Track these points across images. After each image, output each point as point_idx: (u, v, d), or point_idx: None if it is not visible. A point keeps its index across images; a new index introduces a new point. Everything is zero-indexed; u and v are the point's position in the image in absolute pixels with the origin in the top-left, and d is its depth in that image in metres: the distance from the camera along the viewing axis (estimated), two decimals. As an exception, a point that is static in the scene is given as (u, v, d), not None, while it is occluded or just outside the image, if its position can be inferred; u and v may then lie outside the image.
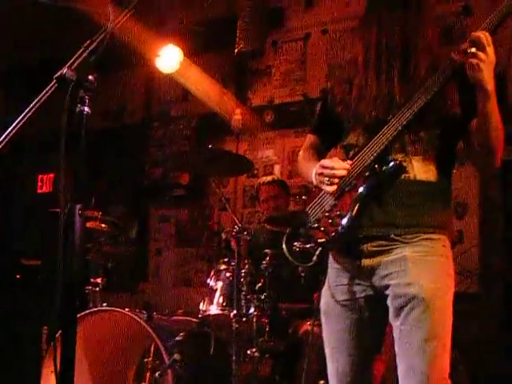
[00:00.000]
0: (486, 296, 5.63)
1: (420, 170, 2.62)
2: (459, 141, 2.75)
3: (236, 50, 6.75)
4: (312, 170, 2.76)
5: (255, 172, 7.18)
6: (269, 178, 5.69)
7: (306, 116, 6.73)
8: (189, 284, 7.43)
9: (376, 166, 2.59)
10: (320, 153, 3.02)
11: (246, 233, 4.55)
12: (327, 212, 2.69)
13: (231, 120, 6.70)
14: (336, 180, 2.64)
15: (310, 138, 3.07)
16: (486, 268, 5.72)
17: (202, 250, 7.29)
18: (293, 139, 7.08)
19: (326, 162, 2.70)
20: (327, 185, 2.65)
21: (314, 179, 2.75)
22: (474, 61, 2.40)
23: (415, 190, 2.62)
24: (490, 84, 2.43)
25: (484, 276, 5.70)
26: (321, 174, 2.68)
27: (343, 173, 2.63)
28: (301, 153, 3.07)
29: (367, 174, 2.61)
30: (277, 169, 7.20)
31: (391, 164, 2.56)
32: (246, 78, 7.42)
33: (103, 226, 5.24)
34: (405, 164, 2.58)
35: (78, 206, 1.93)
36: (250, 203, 7.29)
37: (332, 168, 2.65)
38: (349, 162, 2.66)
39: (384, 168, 2.58)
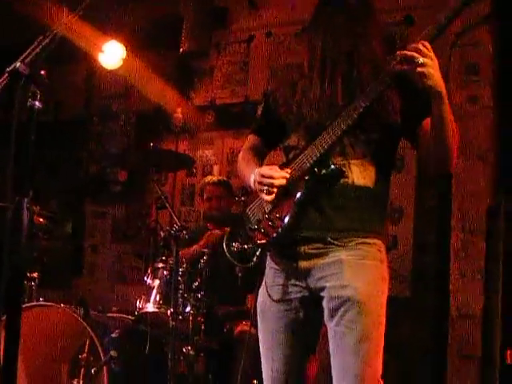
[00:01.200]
0: (418, 300, 5.76)
1: (358, 174, 2.69)
2: (397, 147, 2.85)
3: (181, 50, 6.79)
4: (251, 175, 2.80)
5: (194, 171, 7.21)
6: (215, 179, 5.72)
7: (247, 118, 6.77)
8: (124, 281, 7.43)
9: (316, 169, 2.65)
10: (260, 154, 3.06)
11: (184, 232, 4.58)
12: (267, 214, 2.74)
13: (172, 118, 6.72)
14: (274, 189, 2.68)
15: (250, 139, 3.10)
16: (419, 273, 5.85)
17: (138, 248, 7.27)
18: (232, 140, 7.12)
19: (264, 170, 2.74)
20: (265, 194, 2.69)
21: (252, 185, 2.80)
22: (424, 69, 2.47)
23: (353, 195, 2.69)
24: (442, 87, 2.51)
25: (416, 281, 5.83)
26: (260, 183, 2.71)
27: (282, 182, 2.68)
28: (241, 154, 3.09)
29: (306, 177, 2.67)
30: (215, 169, 7.23)
31: (330, 168, 2.62)
32: (189, 77, 7.43)
33: (41, 220, 5.21)
34: (344, 169, 2.65)
35: (26, 200, 1.97)
36: (188, 202, 7.32)
37: (271, 177, 2.69)
38: (288, 170, 2.70)
39: (323, 172, 2.63)
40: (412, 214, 6.00)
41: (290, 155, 2.83)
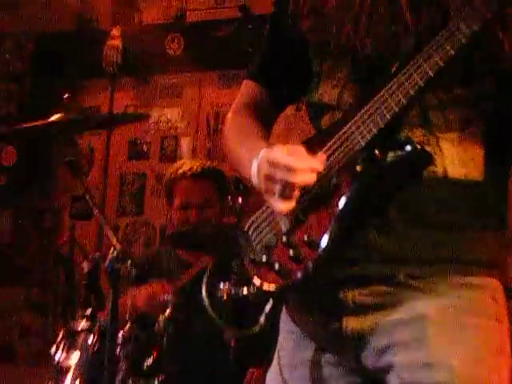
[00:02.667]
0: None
1: (455, 159, 2.68)
2: None
3: None
4: (252, 161, 2.76)
5: (145, 150, 7.22)
6: (195, 167, 5.73)
7: (243, 48, 6.76)
8: (11, 356, 7.47)
9: (376, 151, 2.58)
10: (266, 116, 3.09)
11: (129, 262, 4.56)
12: (284, 235, 2.69)
13: (104, 46, 6.77)
14: (296, 192, 2.59)
15: (247, 88, 3.16)
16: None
17: (38, 292, 7.31)
18: (216, 90, 7.16)
19: (278, 154, 2.62)
20: (279, 199, 2.60)
21: (254, 179, 2.75)
22: None
23: (445, 197, 2.68)
24: None
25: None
26: (269, 178, 2.63)
27: (310, 179, 2.59)
28: (230, 115, 3.11)
29: (359, 167, 2.59)
30: (185, 144, 7.21)
31: (406, 149, 2.54)
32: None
33: None
34: (429, 148, 2.61)
35: None
36: (134, 206, 7.35)
37: (290, 168, 2.57)
38: (322, 155, 2.63)
39: (391, 157, 2.57)
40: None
41: (324, 121, 2.85)
